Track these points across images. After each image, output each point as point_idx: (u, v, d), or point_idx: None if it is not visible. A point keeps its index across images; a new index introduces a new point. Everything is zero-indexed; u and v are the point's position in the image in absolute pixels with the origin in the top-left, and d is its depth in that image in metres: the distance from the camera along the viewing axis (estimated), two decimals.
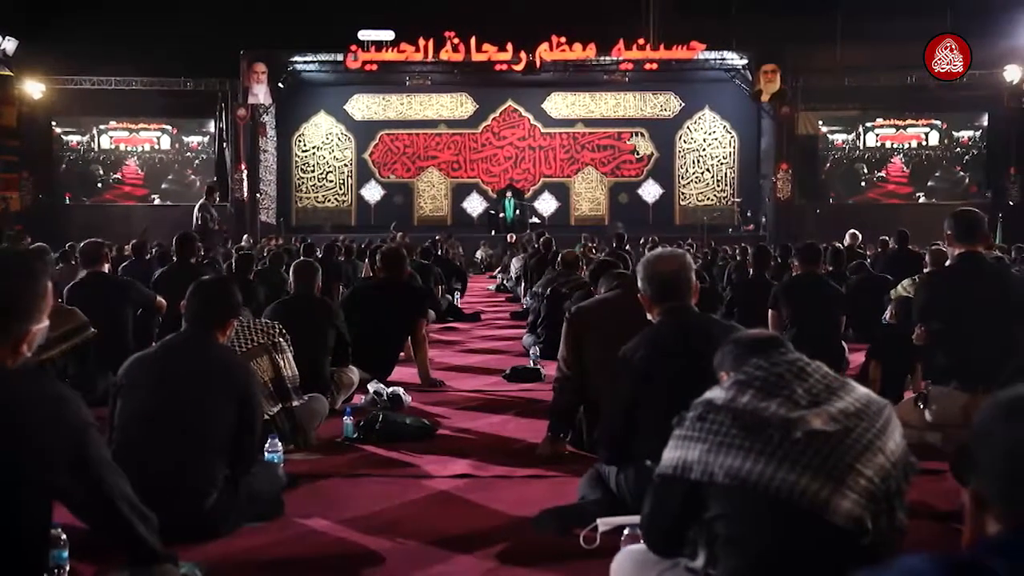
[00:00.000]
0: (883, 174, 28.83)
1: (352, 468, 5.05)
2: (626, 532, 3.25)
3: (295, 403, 5.27)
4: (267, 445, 4.50)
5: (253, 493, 4.02)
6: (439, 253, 16.65)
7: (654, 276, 3.94)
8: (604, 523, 3.60)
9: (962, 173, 28.83)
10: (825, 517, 2.35)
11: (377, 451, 5.41)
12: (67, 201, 28.71)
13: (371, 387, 6.70)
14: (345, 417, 5.72)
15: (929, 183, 28.76)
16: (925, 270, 8.94)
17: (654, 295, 3.95)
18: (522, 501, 4.39)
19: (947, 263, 5.42)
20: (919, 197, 28.41)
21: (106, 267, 7.73)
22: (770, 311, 7.94)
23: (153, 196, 29.19)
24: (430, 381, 7.59)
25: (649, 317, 4.01)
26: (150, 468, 3.70)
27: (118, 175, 29.03)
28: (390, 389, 6.69)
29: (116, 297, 7.42)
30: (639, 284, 4.04)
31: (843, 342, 7.94)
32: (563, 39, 27.30)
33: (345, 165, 30.60)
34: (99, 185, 29.01)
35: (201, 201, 16.24)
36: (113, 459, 3.70)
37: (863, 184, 28.97)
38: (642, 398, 3.79)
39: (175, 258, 9.37)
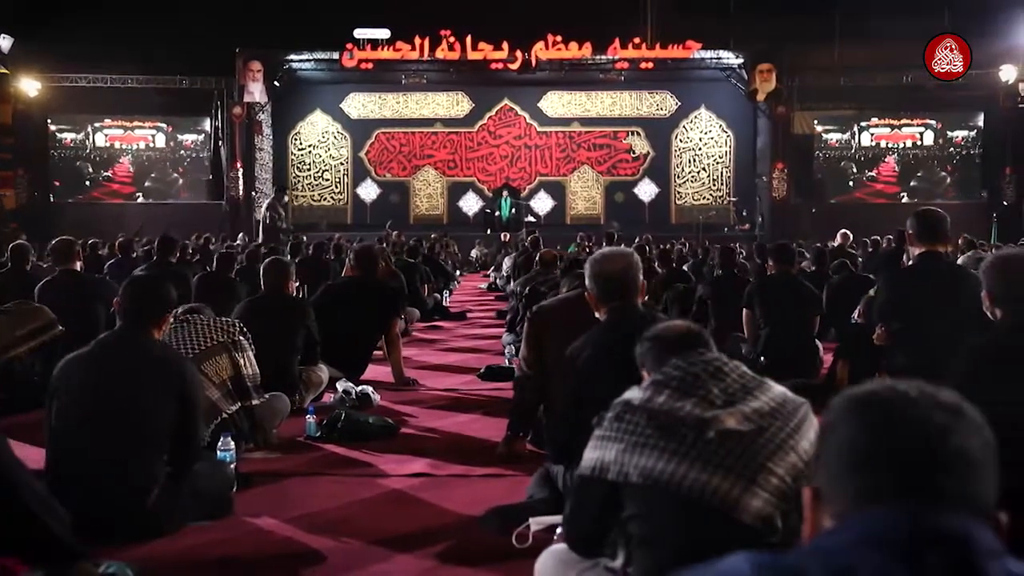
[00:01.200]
0: (873, 173, 28.78)
1: (310, 467, 5.05)
2: (559, 531, 3.25)
3: (255, 401, 5.27)
4: (219, 443, 4.50)
5: (199, 491, 4.02)
6: (429, 252, 16.61)
7: (600, 275, 3.94)
8: (536, 522, 3.60)
9: (943, 173, 28.79)
10: (735, 516, 2.36)
11: (338, 450, 5.40)
12: (51, 199, 28.62)
13: (340, 386, 6.70)
14: (308, 416, 5.72)
15: (911, 183, 28.72)
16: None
17: (600, 294, 3.95)
18: (475, 500, 4.38)
19: (909, 263, 5.40)
20: (902, 197, 28.29)
21: (78, 265, 7.72)
22: (744, 310, 7.98)
23: (137, 194, 29.19)
24: (403, 380, 7.59)
25: (597, 316, 4.01)
26: (88, 467, 3.71)
27: (108, 173, 28.99)
28: (359, 388, 6.69)
29: (88, 295, 7.39)
30: (586, 283, 4.04)
31: (817, 341, 7.93)
32: (559, 38, 27.24)
33: (341, 164, 30.57)
34: (87, 183, 28.98)
35: (269, 200, 16.31)
36: (50, 459, 3.75)
37: (851, 184, 28.92)
38: (586, 397, 3.78)
39: (155, 257, 9.36)
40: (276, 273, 6.76)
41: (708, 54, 27.47)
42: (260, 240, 15.52)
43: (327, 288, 8.11)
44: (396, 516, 4.24)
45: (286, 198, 18.22)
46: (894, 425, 1.28)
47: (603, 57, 27.72)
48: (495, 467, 5.01)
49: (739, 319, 8.15)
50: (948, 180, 28.66)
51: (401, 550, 3.78)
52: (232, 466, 4.46)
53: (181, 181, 29.32)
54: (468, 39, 27.18)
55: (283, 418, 5.67)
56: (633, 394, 2.60)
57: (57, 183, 28.85)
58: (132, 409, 3.81)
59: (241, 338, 5.30)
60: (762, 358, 7.69)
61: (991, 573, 1.17)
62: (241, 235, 23.56)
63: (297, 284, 7.73)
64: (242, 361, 5.23)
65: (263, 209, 16.00)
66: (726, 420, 2.45)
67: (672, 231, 26.63)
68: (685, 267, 13.37)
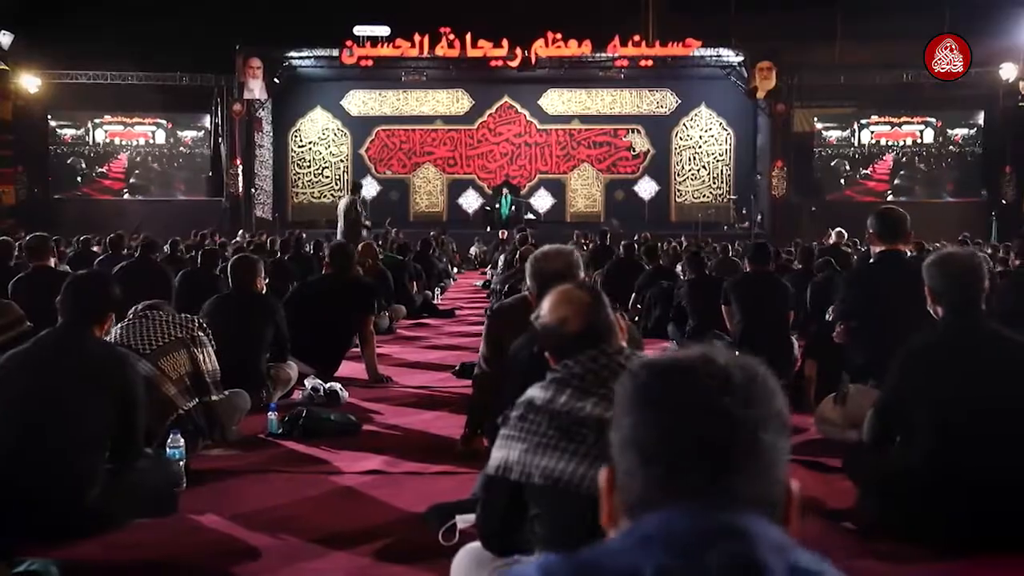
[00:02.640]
0: (868, 171, 28.73)
1: (265, 464, 5.03)
2: None
3: (214, 398, 5.26)
4: (168, 440, 4.49)
5: (143, 489, 4.02)
6: (422, 250, 16.62)
7: (539, 274, 3.93)
8: (463, 520, 3.59)
9: (925, 169, 28.77)
10: None
11: (296, 447, 5.39)
12: (49, 195, 28.68)
13: (308, 383, 6.70)
14: (269, 413, 5.71)
15: (895, 181, 28.72)
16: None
17: (540, 293, 3.92)
18: (423, 497, 4.35)
19: (869, 261, 5.41)
20: (888, 195, 28.14)
21: (52, 261, 7.74)
22: (723, 306, 8.07)
23: (124, 191, 29.27)
24: (377, 377, 7.58)
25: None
26: (26, 464, 3.71)
27: (103, 169, 29.05)
28: (327, 385, 6.69)
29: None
30: (527, 282, 4.03)
31: (793, 339, 7.96)
32: (558, 35, 27.23)
33: (341, 161, 30.62)
34: (79, 179, 29.05)
35: (350, 197, 16.48)
36: None
37: (842, 182, 28.89)
38: None
39: (135, 254, 9.38)
40: (244, 270, 6.75)
41: (708, 52, 27.45)
42: (339, 237, 15.47)
43: (301, 285, 8.14)
44: (341, 513, 4.24)
45: (363, 193, 18.29)
46: (680, 418, 1.24)
47: (603, 55, 27.70)
48: (449, 464, 5.00)
49: (715, 318, 8.25)
50: (931, 177, 28.63)
51: (339, 548, 3.77)
52: (181, 463, 4.45)
53: (165, 177, 29.40)
54: (468, 36, 27.19)
55: (243, 415, 5.66)
56: (536, 393, 2.60)
57: (49, 179, 28.89)
58: (68, 407, 3.80)
59: (200, 334, 5.30)
60: (736, 353, 7.73)
61: (773, 568, 1.15)
62: (241, 232, 23.61)
63: (267, 282, 7.69)
64: (201, 357, 5.23)
65: (340, 205, 16.13)
66: None
67: (672, 229, 26.60)
68: (679, 266, 13.38)
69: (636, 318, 11.01)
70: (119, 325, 5.22)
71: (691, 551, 1.16)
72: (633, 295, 11.34)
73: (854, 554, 3.68)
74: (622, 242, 13.78)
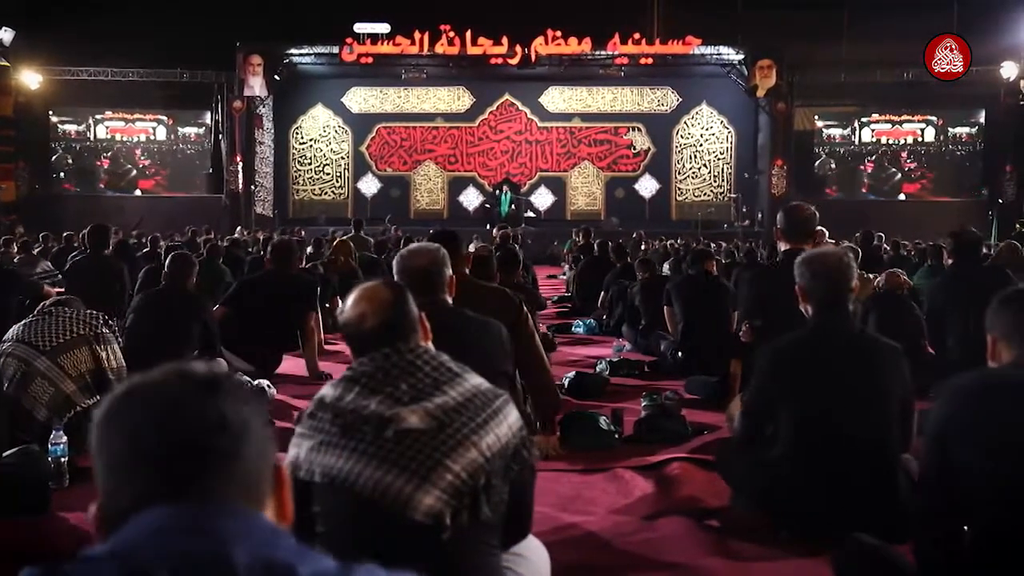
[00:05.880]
0: (861, 170, 28.64)
1: None
2: None
3: None
4: (51, 437, 4.48)
5: (7, 485, 4.00)
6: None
7: (404, 271, 3.91)
8: None
9: (893, 169, 28.68)
10: (406, 513, 2.34)
11: None
12: (51, 191, 28.85)
13: None
14: None
15: (865, 179, 28.71)
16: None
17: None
18: None
19: (775, 260, 5.36)
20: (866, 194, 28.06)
21: None
22: (665, 308, 8.09)
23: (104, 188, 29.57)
24: (317, 374, 7.57)
25: None
26: None
27: (97, 164, 29.27)
28: (256, 382, 6.67)
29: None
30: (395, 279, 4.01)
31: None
32: (558, 33, 27.20)
33: (342, 158, 30.67)
34: (61, 175, 29.23)
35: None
36: None
37: (824, 179, 28.78)
38: None
39: (87, 249, 9.39)
40: (177, 268, 6.77)
41: (708, 50, 27.34)
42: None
43: (242, 283, 8.10)
44: None
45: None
46: (142, 428, 1.23)
47: (603, 52, 27.62)
48: None
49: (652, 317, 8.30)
50: (899, 176, 28.50)
51: None
52: (63, 460, 4.43)
53: (135, 172, 29.53)
54: (468, 34, 27.18)
55: None
56: (327, 391, 2.59)
57: (52, 175, 29.12)
58: None
59: (105, 331, 5.28)
60: (679, 353, 7.74)
61: (242, 563, 1.13)
62: (239, 228, 23.65)
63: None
64: (105, 354, 5.21)
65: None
66: (407, 417, 2.43)
67: (672, 227, 26.57)
68: (667, 264, 13.38)
69: (604, 316, 11.03)
70: (22, 322, 5.23)
71: (157, 553, 1.14)
72: (602, 293, 11.38)
73: (710, 552, 3.65)
74: (596, 240, 13.77)
